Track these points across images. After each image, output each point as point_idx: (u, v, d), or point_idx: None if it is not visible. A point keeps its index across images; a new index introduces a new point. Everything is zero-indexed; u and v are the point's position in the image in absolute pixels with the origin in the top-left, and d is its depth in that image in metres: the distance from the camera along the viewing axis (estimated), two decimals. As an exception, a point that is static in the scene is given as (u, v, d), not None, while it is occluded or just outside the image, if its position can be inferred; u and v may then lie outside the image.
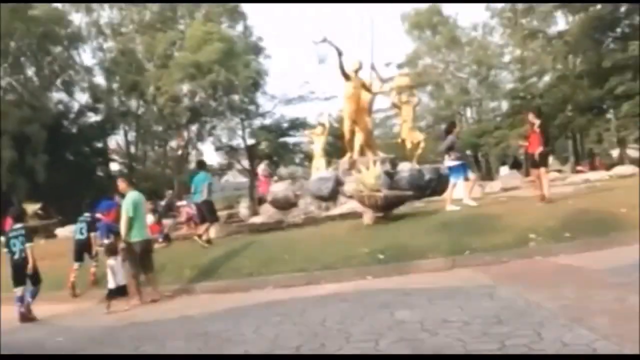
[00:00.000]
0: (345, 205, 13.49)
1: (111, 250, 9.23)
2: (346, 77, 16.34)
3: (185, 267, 10.19)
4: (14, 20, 29.72)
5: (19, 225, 9.68)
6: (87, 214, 11.42)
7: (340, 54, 15.73)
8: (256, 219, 16.14)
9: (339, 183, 15.69)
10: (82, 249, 11.01)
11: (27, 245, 9.23)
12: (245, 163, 41.25)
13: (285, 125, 40.89)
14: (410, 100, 18.73)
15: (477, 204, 11.15)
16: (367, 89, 17.23)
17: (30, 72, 36.69)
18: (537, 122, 10.99)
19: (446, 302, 6.23)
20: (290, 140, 41.59)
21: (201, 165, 13.17)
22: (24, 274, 9.21)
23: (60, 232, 17.34)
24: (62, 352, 6.64)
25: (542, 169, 10.84)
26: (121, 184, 9.53)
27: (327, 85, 72.85)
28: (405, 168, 16.44)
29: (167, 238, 12.60)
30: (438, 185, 15.95)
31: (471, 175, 12.17)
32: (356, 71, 16.59)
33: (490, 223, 9.70)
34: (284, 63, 78.86)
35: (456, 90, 41.38)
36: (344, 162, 17.36)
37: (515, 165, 38.92)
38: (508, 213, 10.26)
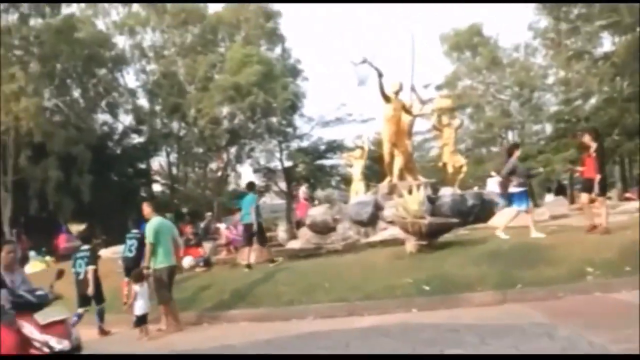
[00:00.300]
0: (386, 232, 13.13)
1: (137, 277, 9.10)
2: (386, 98, 16.05)
3: (225, 293, 10.01)
4: (59, 43, 30.35)
5: (85, 247, 10.08)
6: (135, 231, 11.40)
7: (380, 75, 15.45)
8: (294, 244, 15.90)
9: (378, 208, 15.34)
10: (132, 267, 10.86)
11: (89, 267, 9.59)
12: (283, 185, 41.20)
13: (323, 147, 40.69)
14: (452, 122, 18.33)
15: (544, 235, 10.41)
16: (408, 111, 16.91)
17: (77, 93, 37.48)
18: (594, 145, 10.36)
19: (500, 341, 5.86)
20: (327, 162, 41.36)
21: (250, 186, 12.97)
22: (86, 295, 9.50)
23: (104, 252, 17.30)
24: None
25: (601, 198, 10.26)
26: (146, 209, 9.37)
27: (365, 108, 72.86)
28: (446, 193, 16.02)
29: (207, 262, 12.45)
30: (481, 211, 15.47)
31: (531, 205, 11.28)
32: (396, 93, 16.28)
33: (542, 254, 9.25)
34: (322, 85, 79.17)
35: (497, 113, 40.58)
36: (384, 186, 17.03)
37: (559, 190, 37.77)
38: (560, 243, 9.77)
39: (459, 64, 42.96)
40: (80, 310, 9.46)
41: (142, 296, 8.94)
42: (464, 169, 18.07)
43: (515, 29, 58.11)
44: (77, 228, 17.38)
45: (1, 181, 29.04)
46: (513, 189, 10.76)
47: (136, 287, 9.01)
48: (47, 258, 20.06)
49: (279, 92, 34.08)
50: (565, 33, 36.79)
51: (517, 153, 11.13)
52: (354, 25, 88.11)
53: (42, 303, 5.50)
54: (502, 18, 65.39)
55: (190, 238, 12.92)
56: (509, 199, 11.30)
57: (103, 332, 9.67)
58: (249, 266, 11.31)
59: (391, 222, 14.87)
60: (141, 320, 8.91)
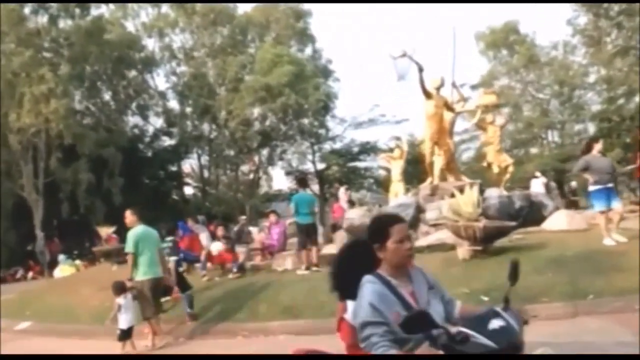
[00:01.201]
0: (432, 236, 12.26)
1: (118, 288, 8.44)
2: (427, 95, 15.20)
3: (261, 302, 9.25)
4: (88, 44, 30.27)
5: (169, 238, 10.16)
6: (169, 238, 10.86)
7: (421, 69, 14.57)
8: (332, 248, 15.14)
9: (420, 210, 14.56)
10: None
11: (171, 259, 9.58)
12: (315, 188, 40.52)
13: (356, 149, 40.04)
14: (497, 120, 17.33)
15: (625, 239, 9.33)
16: (450, 108, 16.00)
17: (107, 96, 37.46)
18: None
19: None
20: (360, 164, 40.66)
21: (303, 183, 12.18)
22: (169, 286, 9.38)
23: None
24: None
25: None
26: (129, 217, 8.54)
27: (398, 109, 71.63)
28: (493, 194, 15.07)
29: (241, 268, 11.68)
30: (529, 213, 14.54)
31: (617, 204, 9.89)
32: (438, 88, 15.42)
33: (610, 261, 8.35)
34: (354, 86, 78.50)
35: (536, 112, 39.23)
36: (425, 187, 16.16)
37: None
38: (628, 249, 8.85)
39: (495, 62, 41.79)
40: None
41: (127, 309, 8.31)
42: (511, 169, 17.04)
43: (552, 26, 56.34)
44: (106, 231, 16.88)
45: (32, 184, 28.92)
46: (590, 186, 9.74)
47: (119, 300, 8.36)
48: (77, 262, 19.69)
49: (310, 92, 33.47)
50: (606, 30, 35.45)
51: (598, 147, 9.96)
52: (386, 25, 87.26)
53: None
54: (539, 15, 63.74)
55: (223, 242, 12.16)
56: (589, 198, 10.19)
57: (193, 318, 9.37)
58: (312, 267, 10.82)
59: (434, 225, 14.10)
60: (125, 335, 8.31)
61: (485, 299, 7.71)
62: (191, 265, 12.27)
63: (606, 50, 35.51)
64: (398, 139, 33.52)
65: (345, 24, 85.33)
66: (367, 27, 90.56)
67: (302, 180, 12.25)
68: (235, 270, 11.46)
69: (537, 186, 21.18)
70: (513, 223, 10.08)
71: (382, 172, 40.81)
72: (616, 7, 33.92)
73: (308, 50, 41.09)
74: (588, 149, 10.11)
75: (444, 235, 11.27)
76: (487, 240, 9.26)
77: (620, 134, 31.47)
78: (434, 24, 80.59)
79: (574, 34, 38.04)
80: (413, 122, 54.82)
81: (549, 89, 39.12)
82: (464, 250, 9.32)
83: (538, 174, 23.43)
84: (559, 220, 12.91)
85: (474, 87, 37.38)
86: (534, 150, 40.43)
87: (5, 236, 27.58)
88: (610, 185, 9.57)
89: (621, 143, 30.35)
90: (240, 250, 11.97)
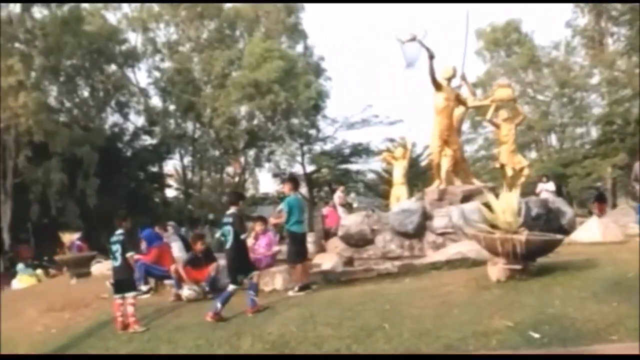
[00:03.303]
0: (451, 249, 10.44)
1: None
2: (437, 86, 13.48)
3: (243, 335, 7.28)
4: (64, 35, 28.30)
5: (231, 211, 8.48)
6: (119, 232, 8.71)
7: (431, 57, 12.89)
8: (325, 259, 13.28)
9: (426, 217, 12.84)
10: (121, 279, 8.58)
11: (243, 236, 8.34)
12: (304, 191, 38.65)
13: (347, 151, 38.38)
14: (512, 116, 15.50)
15: None
16: (462, 102, 14.30)
17: (86, 92, 35.45)
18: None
19: None
20: (352, 167, 38.99)
21: (296, 185, 10.23)
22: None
23: (97, 269, 14.57)
24: None
25: None
26: None
27: (392, 110, 69.69)
28: (510, 200, 13.35)
29: (213, 285, 9.56)
30: (547, 221, 12.87)
31: None
32: (449, 79, 13.79)
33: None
34: (346, 85, 76.85)
35: (536, 115, 37.63)
36: (432, 191, 14.37)
37: (599, 198, 34.64)
38: None
39: (492, 62, 40.28)
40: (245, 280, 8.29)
41: None
42: (526, 171, 15.25)
43: (551, 26, 54.62)
44: (69, 237, 14.89)
45: (0, 184, 26.98)
46: None
47: None
48: (38, 271, 17.67)
49: (301, 90, 31.76)
50: (608, 30, 34.22)
51: None
52: (382, 23, 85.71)
53: None
54: (538, 15, 62.37)
55: (199, 257, 10.01)
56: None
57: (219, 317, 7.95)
58: (306, 287, 8.95)
59: (443, 234, 12.46)
60: None
61: (536, 335, 5.88)
62: (160, 282, 10.30)
63: (608, 52, 34.20)
64: (392, 140, 31.93)
65: (339, 20, 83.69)
66: (361, 24, 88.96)
67: (295, 181, 10.25)
68: (207, 289, 9.45)
69: (545, 192, 19.71)
70: (560, 236, 8.21)
71: (372, 176, 39.27)
72: (619, 6, 32.67)
73: (299, 47, 39.45)
74: None
75: (465, 249, 9.50)
76: (528, 257, 7.38)
77: (624, 138, 29.95)
78: (433, 21, 79.11)
79: (574, 35, 36.73)
80: (407, 124, 53.36)
81: (549, 91, 37.58)
82: (498, 269, 7.44)
83: (545, 178, 21.87)
84: (592, 231, 11.24)
85: (474, 86, 35.85)
86: (532, 155, 38.93)
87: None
88: None
89: (626, 148, 28.84)
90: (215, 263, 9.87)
